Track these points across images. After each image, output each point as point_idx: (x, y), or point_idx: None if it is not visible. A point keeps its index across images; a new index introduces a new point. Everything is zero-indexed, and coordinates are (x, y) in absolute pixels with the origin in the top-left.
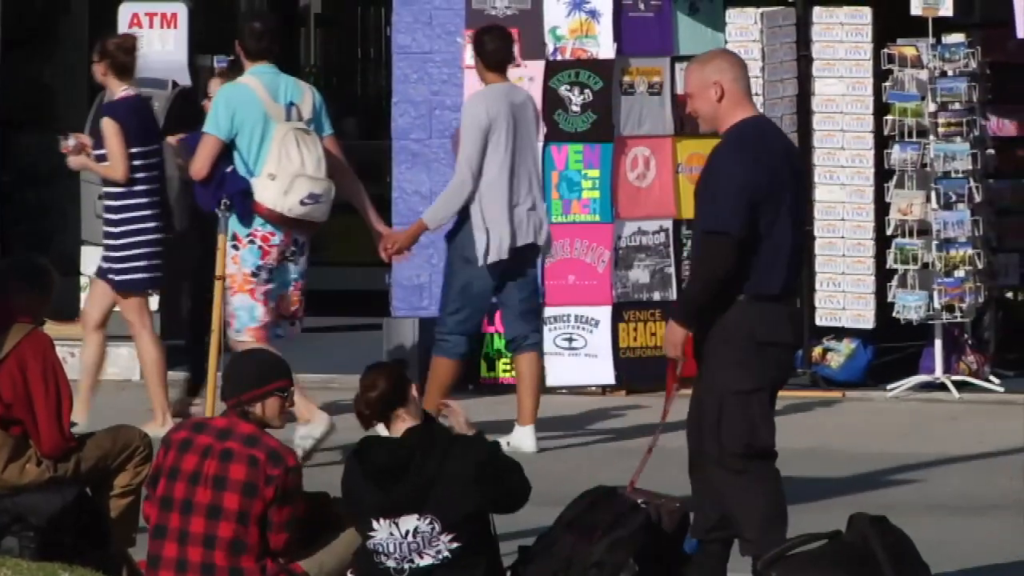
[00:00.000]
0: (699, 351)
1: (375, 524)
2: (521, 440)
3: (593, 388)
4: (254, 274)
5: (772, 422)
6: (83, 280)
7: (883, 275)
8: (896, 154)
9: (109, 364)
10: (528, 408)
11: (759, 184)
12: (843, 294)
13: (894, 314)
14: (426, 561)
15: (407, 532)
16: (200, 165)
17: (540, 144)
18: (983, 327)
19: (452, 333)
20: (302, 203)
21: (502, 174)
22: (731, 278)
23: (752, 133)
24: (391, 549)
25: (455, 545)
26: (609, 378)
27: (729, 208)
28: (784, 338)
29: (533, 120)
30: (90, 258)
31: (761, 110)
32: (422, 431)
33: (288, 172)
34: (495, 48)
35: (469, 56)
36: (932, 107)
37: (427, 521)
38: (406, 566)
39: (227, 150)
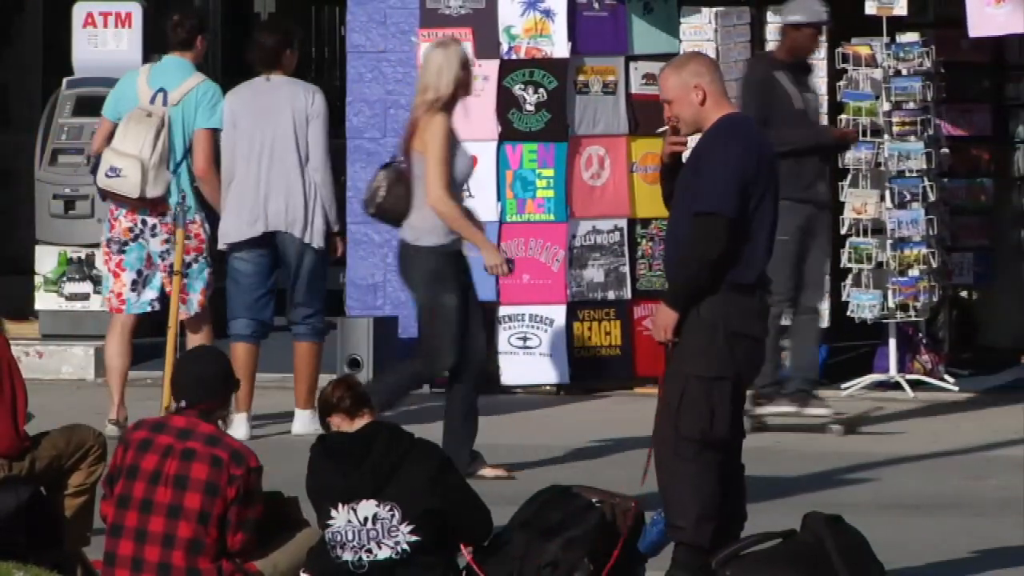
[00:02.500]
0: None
1: (333, 512)
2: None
3: (547, 387)
4: (107, 245)
5: (731, 415)
6: (37, 280)
7: (837, 274)
8: (850, 153)
9: (63, 364)
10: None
11: (748, 170)
12: None
13: (848, 313)
14: (384, 553)
15: (365, 519)
16: (96, 144)
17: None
18: (937, 326)
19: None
20: (106, 175)
21: None
22: (724, 262)
23: (741, 125)
24: (349, 537)
25: (414, 539)
26: (564, 377)
27: (723, 190)
28: (754, 331)
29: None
30: (44, 258)
31: None
32: (386, 425)
33: (109, 149)
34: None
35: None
36: (886, 106)
37: (387, 508)
38: (364, 557)
39: None
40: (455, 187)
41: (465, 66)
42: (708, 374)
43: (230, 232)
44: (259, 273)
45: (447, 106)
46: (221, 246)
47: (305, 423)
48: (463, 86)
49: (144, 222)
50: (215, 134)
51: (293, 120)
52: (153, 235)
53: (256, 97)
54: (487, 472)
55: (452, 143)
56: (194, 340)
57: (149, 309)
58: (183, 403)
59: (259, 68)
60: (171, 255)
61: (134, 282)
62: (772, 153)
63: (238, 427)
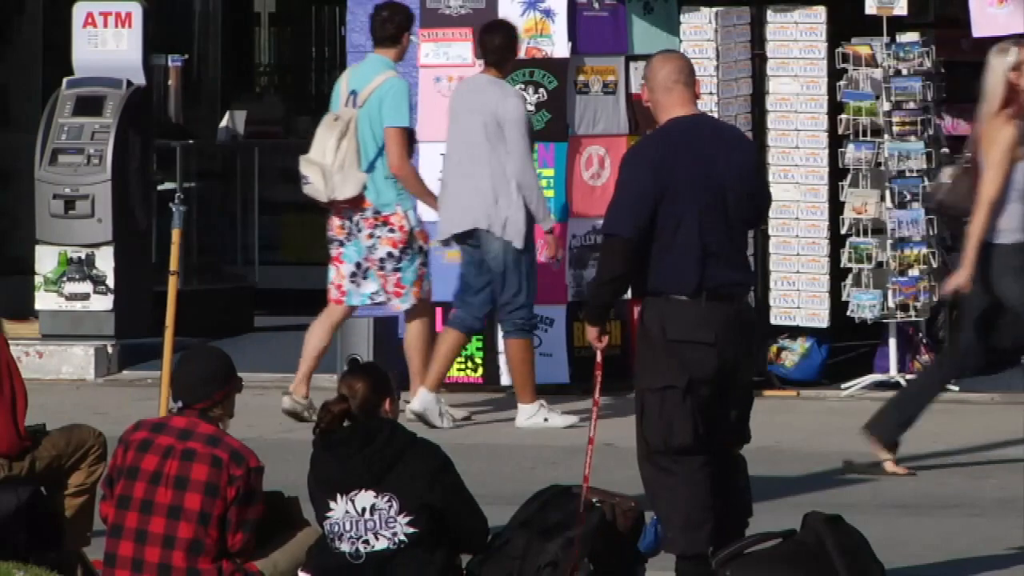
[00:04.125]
0: None
1: (332, 504)
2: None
3: (547, 387)
4: (329, 243)
5: (693, 422)
6: (37, 280)
7: (837, 274)
8: (850, 153)
9: (63, 364)
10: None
11: (660, 187)
12: (797, 293)
13: (848, 313)
14: (381, 544)
15: (363, 510)
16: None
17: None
18: (937, 326)
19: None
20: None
21: None
22: (634, 278)
23: (658, 137)
24: (347, 527)
25: (412, 531)
26: (564, 377)
27: (620, 210)
28: (697, 336)
29: None
30: (44, 258)
31: (715, 109)
32: (389, 421)
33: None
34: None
35: (423, 55)
36: (886, 106)
37: (385, 499)
38: (361, 547)
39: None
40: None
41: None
42: (656, 385)
43: (441, 227)
44: (471, 266)
45: (1008, 112)
46: (435, 241)
47: (526, 416)
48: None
49: (351, 220)
50: (404, 132)
51: (491, 121)
52: (359, 231)
53: (468, 95)
54: (890, 467)
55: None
56: (413, 331)
57: (369, 302)
58: (183, 403)
59: (487, 66)
60: (377, 250)
61: (353, 274)
62: (708, 158)
63: (420, 400)
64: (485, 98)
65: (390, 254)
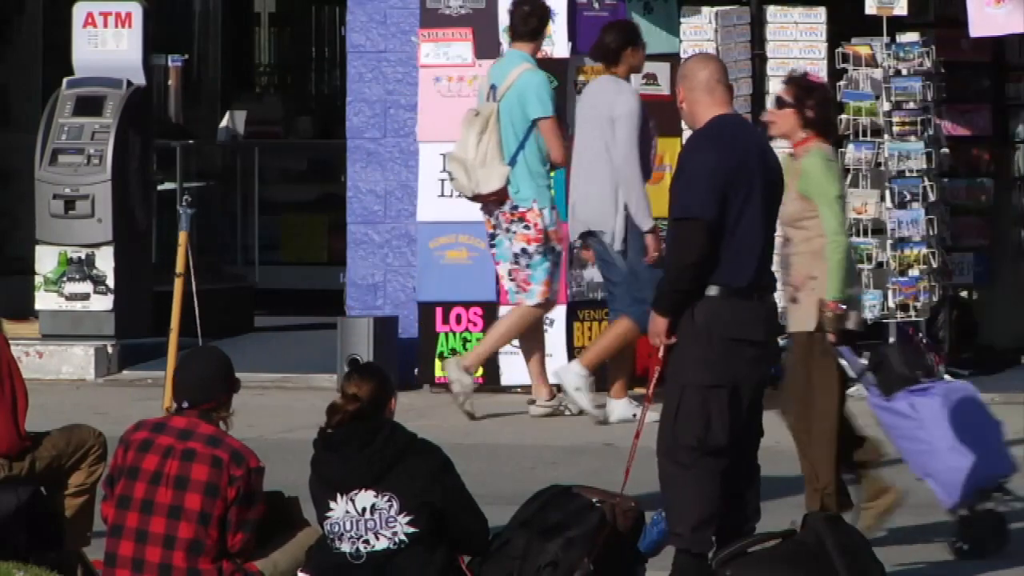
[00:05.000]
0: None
1: (332, 504)
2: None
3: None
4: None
5: (730, 422)
6: (37, 280)
7: None
8: (851, 153)
9: (63, 364)
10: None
11: (726, 173)
12: None
13: None
14: (382, 544)
15: (364, 509)
16: None
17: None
18: (937, 326)
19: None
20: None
21: None
22: (706, 266)
23: (723, 127)
24: (347, 527)
25: (412, 530)
26: None
27: (699, 193)
28: (752, 335)
29: None
30: (44, 258)
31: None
32: (390, 421)
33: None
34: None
35: (424, 55)
36: (886, 106)
37: (385, 499)
38: (361, 547)
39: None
40: None
41: None
42: (704, 382)
43: (572, 225)
44: (600, 262)
45: None
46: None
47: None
48: None
49: (494, 216)
50: (555, 121)
51: (604, 120)
52: (500, 232)
53: (589, 96)
54: None
55: None
56: (518, 320)
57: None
58: (184, 404)
59: (606, 66)
60: (513, 245)
61: (510, 271)
62: (761, 153)
63: (616, 409)
64: (602, 98)
65: (524, 250)
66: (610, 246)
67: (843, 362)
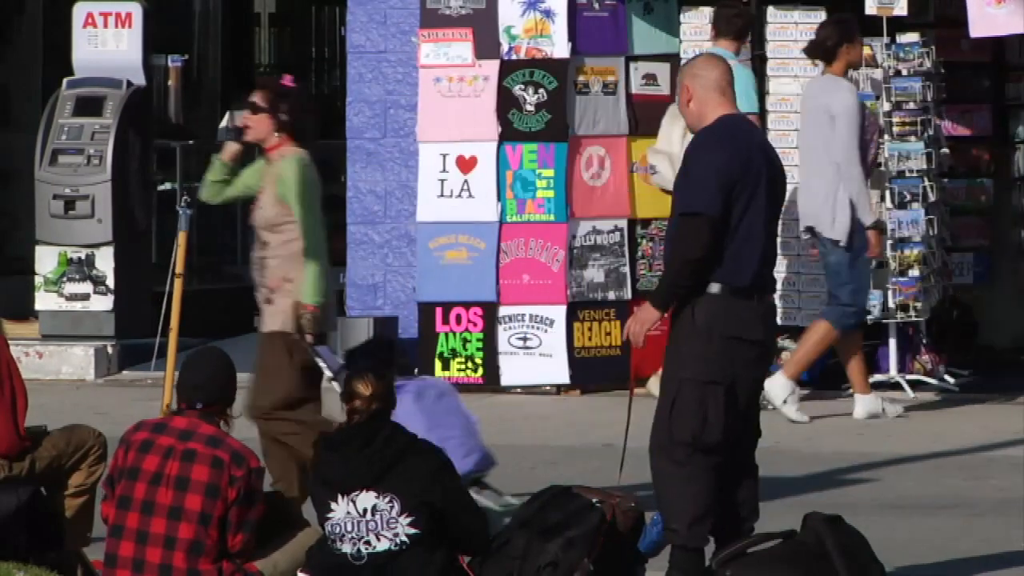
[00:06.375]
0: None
1: (333, 505)
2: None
3: (547, 387)
4: None
5: (725, 420)
6: (37, 280)
7: None
8: None
9: (63, 364)
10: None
11: (732, 172)
12: (798, 293)
13: None
14: (383, 545)
15: (365, 510)
16: None
17: None
18: (937, 326)
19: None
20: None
21: None
22: (707, 263)
23: (730, 126)
24: (348, 528)
25: (413, 531)
26: (564, 378)
27: (705, 190)
28: (752, 334)
29: None
30: (44, 258)
31: None
32: (391, 422)
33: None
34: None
35: (424, 55)
36: (887, 106)
37: (386, 500)
38: (363, 548)
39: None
40: None
41: None
42: (701, 378)
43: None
44: (822, 263)
45: None
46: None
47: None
48: None
49: None
50: (758, 119)
51: (825, 117)
52: None
53: (809, 95)
54: None
55: None
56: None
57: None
58: (185, 404)
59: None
60: None
61: None
62: (765, 154)
63: (861, 406)
64: (820, 96)
65: None
66: (827, 241)
67: (320, 362)
